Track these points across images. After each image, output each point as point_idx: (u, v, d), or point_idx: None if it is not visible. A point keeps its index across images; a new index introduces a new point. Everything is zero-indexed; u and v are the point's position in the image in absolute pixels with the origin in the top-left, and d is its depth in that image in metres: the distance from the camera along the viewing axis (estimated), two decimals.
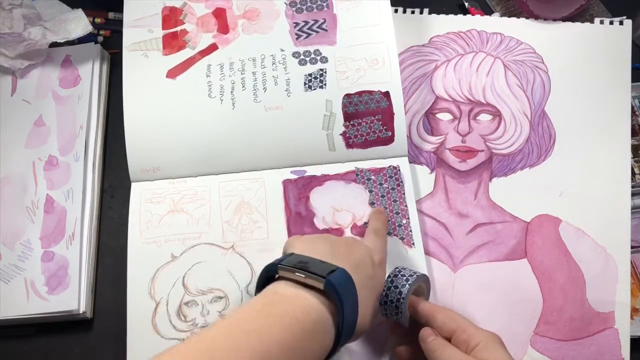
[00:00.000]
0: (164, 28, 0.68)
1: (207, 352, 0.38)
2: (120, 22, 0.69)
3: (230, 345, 0.38)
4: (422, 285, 0.55)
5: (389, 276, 0.53)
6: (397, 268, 0.54)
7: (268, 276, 0.46)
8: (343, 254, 0.49)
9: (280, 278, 0.45)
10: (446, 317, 0.50)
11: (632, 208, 0.63)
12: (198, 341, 0.39)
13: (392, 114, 0.64)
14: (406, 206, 0.62)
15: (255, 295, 0.46)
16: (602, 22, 0.71)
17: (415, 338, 0.51)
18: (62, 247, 0.63)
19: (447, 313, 0.51)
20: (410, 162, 0.64)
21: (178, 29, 0.68)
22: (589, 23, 0.71)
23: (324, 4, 0.68)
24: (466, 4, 0.74)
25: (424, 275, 0.54)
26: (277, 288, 0.44)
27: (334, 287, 0.42)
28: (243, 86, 0.64)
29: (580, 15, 0.72)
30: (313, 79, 0.64)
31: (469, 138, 0.66)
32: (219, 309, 0.59)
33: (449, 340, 0.50)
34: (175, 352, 0.38)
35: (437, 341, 0.49)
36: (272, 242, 0.61)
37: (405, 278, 0.52)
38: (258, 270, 0.59)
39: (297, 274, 0.44)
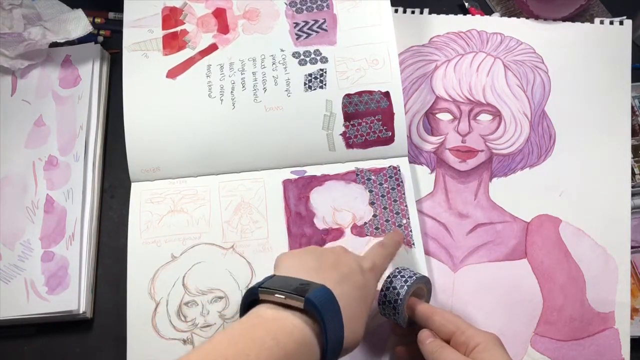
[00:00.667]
0: (164, 28, 0.68)
1: None
2: (120, 22, 0.69)
3: None
4: (422, 287, 0.55)
5: (389, 276, 0.53)
6: (397, 269, 0.54)
7: (251, 300, 0.45)
8: (329, 267, 0.48)
9: (262, 301, 0.44)
10: (444, 318, 0.50)
11: (632, 208, 0.63)
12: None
13: (392, 114, 0.64)
14: (406, 206, 0.62)
15: (240, 317, 0.45)
16: (602, 22, 0.71)
17: (415, 339, 0.51)
18: (62, 247, 0.62)
19: (445, 315, 0.51)
20: (410, 162, 0.64)
21: (178, 29, 0.67)
22: (589, 23, 0.71)
23: (324, 4, 0.68)
24: (466, 4, 0.74)
25: (424, 276, 0.54)
26: (259, 311, 0.44)
27: (314, 305, 0.42)
28: (243, 86, 0.64)
29: (580, 15, 0.72)
30: (313, 79, 0.64)
31: (469, 138, 0.66)
32: (219, 309, 0.59)
33: (447, 342, 0.49)
34: None
35: (436, 343, 0.49)
36: (272, 242, 0.61)
37: (404, 279, 0.52)
38: (258, 270, 0.59)
39: (277, 295, 0.43)
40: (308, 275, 0.46)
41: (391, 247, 0.56)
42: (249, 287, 0.46)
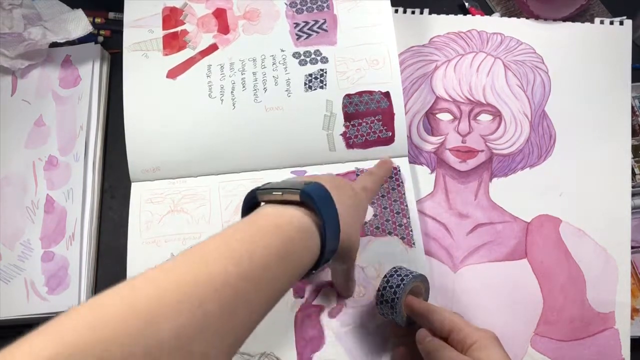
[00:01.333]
0: (164, 28, 0.68)
1: (200, 258, 0.37)
2: (120, 22, 0.69)
3: (221, 246, 0.39)
4: (420, 285, 0.55)
5: (385, 276, 0.53)
6: (394, 268, 0.54)
7: (250, 205, 0.47)
8: (324, 180, 0.49)
9: (261, 204, 0.46)
10: (442, 316, 0.50)
11: (632, 208, 0.63)
12: (190, 253, 0.39)
13: (392, 114, 0.64)
14: (406, 206, 0.62)
15: None
16: (602, 22, 0.71)
17: (414, 338, 0.51)
18: (62, 247, 0.63)
19: (443, 313, 0.51)
20: (410, 163, 0.64)
21: (178, 29, 0.68)
22: (589, 23, 0.71)
23: (324, 5, 0.68)
24: (466, 4, 0.74)
25: (421, 275, 0.54)
26: (259, 210, 0.45)
27: (309, 196, 0.43)
28: (243, 86, 0.64)
29: (580, 15, 0.72)
30: (313, 79, 0.64)
31: (469, 138, 0.66)
32: None
33: (446, 340, 0.50)
34: (169, 264, 0.37)
35: (434, 342, 0.49)
36: None
37: (400, 278, 0.52)
38: None
39: (274, 193, 0.45)
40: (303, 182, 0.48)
41: (380, 173, 0.59)
42: (248, 192, 0.47)
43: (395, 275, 0.53)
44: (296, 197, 0.44)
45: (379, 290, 0.53)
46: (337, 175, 0.63)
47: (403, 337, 0.55)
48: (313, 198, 0.43)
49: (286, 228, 0.42)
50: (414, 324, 0.53)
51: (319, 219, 0.43)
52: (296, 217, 0.43)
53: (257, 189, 0.46)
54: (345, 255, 0.49)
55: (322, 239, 0.44)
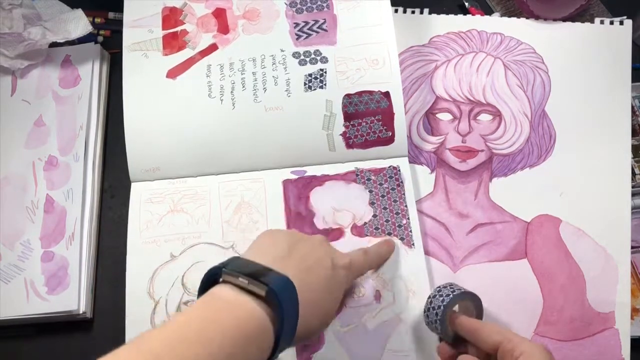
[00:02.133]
0: (164, 28, 0.68)
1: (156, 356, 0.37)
2: (120, 22, 0.69)
3: (169, 354, 0.38)
4: (468, 304, 0.55)
5: (429, 297, 0.54)
6: (437, 287, 0.55)
7: (212, 279, 0.45)
8: (298, 256, 0.48)
9: (224, 281, 0.45)
10: (490, 330, 0.51)
11: (632, 208, 0.63)
12: (136, 350, 0.39)
13: (392, 114, 0.63)
14: (406, 206, 0.61)
15: (197, 297, 0.45)
16: (602, 22, 0.71)
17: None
18: (62, 247, 0.62)
19: (490, 326, 0.51)
20: (410, 162, 0.64)
21: (178, 29, 0.67)
22: (589, 23, 0.71)
23: (324, 5, 0.68)
24: (466, 4, 0.74)
25: (466, 293, 0.55)
26: (221, 292, 0.44)
27: (276, 295, 0.42)
28: (243, 86, 0.64)
29: (580, 15, 0.72)
30: (313, 79, 0.64)
31: (469, 138, 0.66)
32: None
33: (495, 353, 0.50)
34: None
35: None
36: None
37: (442, 299, 0.53)
38: None
39: (240, 279, 0.43)
40: (275, 261, 0.46)
41: (374, 257, 0.57)
42: (212, 266, 0.46)
43: (438, 296, 0.54)
44: (262, 293, 0.43)
45: (424, 311, 0.54)
46: (336, 175, 0.63)
47: (450, 357, 0.55)
48: (279, 301, 0.42)
49: (243, 327, 0.41)
50: (461, 339, 0.53)
51: (278, 319, 0.42)
52: (255, 316, 0.42)
53: (224, 266, 0.45)
54: (299, 342, 0.48)
55: (276, 336, 0.43)
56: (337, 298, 0.50)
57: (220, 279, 0.45)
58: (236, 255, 0.49)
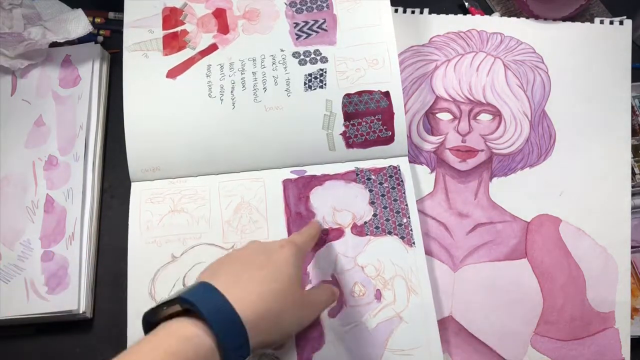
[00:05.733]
0: (164, 28, 0.68)
1: None
2: (120, 22, 0.69)
3: None
4: None
5: None
6: None
7: (150, 326, 0.44)
8: (227, 263, 0.48)
9: (158, 322, 0.44)
10: None
11: (632, 208, 0.63)
12: None
13: (392, 114, 0.64)
14: (406, 205, 0.61)
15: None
16: (602, 22, 0.71)
17: None
18: (62, 247, 0.62)
19: None
20: (410, 162, 0.64)
21: (178, 29, 0.68)
22: (589, 23, 0.71)
23: (324, 4, 0.68)
24: (466, 4, 0.74)
25: None
26: (153, 331, 0.43)
27: (187, 301, 0.42)
28: (243, 86, 0.64)
29: (580, 15, 0.72)
30: (313, 79, 0.64)
31: (469, 138, 0.66)
32: None
33: None
34: None
35: None
36: None
37: None
38: None
39: (160, 311, 0.43)
40: (207, 277, 0.46)
41: (310, 230, 0.57)
42: (144, 312, 0.45)
43: None
44: (178, 308, 0.42)
45: None
46: (336, 175, 0.63)
47: None
48: (194, 304, 0.41)
49: (179, 350, 0.40)
50: None
51: (209, 326, 0.41)
52: (186, 334, 0.41)
53: (149, 310, 0.44)
54: (277, 342, 0.47)
55: (219, 345, 0.41)
56: (288, 280, 0.48)
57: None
58: None
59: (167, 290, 0.59)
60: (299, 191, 0.63)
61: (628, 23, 0.70)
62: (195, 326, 0.42)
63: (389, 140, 0.64)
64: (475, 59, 0.70)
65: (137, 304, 0.59)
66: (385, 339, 0.57)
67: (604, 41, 0.70)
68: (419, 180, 0.65)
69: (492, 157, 0.66)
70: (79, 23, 0.70)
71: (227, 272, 0.47)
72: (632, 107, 0.67)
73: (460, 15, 0.73)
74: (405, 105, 0.66)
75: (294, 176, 0.64)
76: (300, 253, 0.52)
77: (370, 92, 0.64)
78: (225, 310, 0.42)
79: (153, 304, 0.58)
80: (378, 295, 0.58)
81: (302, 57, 0.65)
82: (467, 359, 0.59)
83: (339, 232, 0.61)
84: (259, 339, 0.44)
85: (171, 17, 0.68)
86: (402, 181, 0.63)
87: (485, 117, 0.67)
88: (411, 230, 0.60)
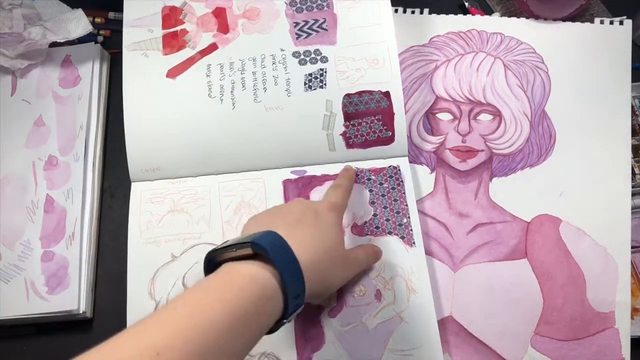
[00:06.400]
0: (164, 28, 0.68)
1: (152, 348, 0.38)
2: (120, 22, 0.69)
3: (182, 320, 0.39)
4: None
5: None
6: None
7: (211, 267, 0.46)
8: (280, 217, 0.50)
9: (220, 263, 0.46)
10: None
11: (632, 208, 0.63)
12: (138, 336, 0.39)
13: (392, 114, 0.63)
14: (406, 205, 0.61)
15: None
16: (602, 22, 0.71)
17: None
18: (62, 247, 0.63)
19: None
20: (410, 162, 0.64)
21: (178, 28, 0.67)
22: (589, 23, 0.71)
23: (324, 4, 0.68)
24: (466, 4, 0.74)
25: None
26: (217, 271, 0.45)
27: (259, 245, 0.43)
28: (243, 86, 0.64)
29: (580, 15, 0.72)
30: (313, 79, 0.64)
31: (469, 138, 0.66)
32: None
33: None
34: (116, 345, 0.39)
35: None
36: None
37: None
38: None
39: (228, 250, 0.45)
40: (262, 228, 0.48)
41: (345, 183, 0.59)
42: (206, 253, 0.47)
43: None
44: (248, 251, 0.44)
45: None
46: (336, 175, 0.63)
47: None
48: (264, 248, 0.43)
49: (240, 282, 0.42)
50: None
51: (278, 271, 0.43)
52: (249, 270, 0.43)
53: (214, 249, 0.46)
54: (323, 295, 0.50)
55: (282, 288, 0.44)
56: (335, 240, 0.51)
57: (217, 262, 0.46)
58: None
59: (166, 289, 0.59)
60: (299, 191, 0.63)
61: (628, 23, 0.70)
62: (264, 269, 0.43)
63: (389, 140, 0.64)
64: (476, 59, 0.70)
65: (137, 304, 0.59)
66: (385, 339, 0.57)
67: (604, 41, 0.70)
68: (419, 180, 0.65)
69: (492, 157, 0.66)
70: (79, 23, 0.69)
71: (284, 224, 0.49)
72: (632, 107, 0.67)
73: (460, 15, 0.73)
74: (405, 105, 0.66)
75: (294, 176, 0.64)
76: (342, 215, 0.56)
77: (370, 92, 0.64)
78: (291, 260, 0.45)
79: (152, 304, 0.58)
80: (378, 295, 0.58)
81: (302, 56, 0.65)
82: (467, 359, 0.59)
83: None
84: (310, 290, 0.46)
85: (171, 16, 0.68)
86: (402, 181, 0.63)
87: (485, 117, 0.67)
88: (411, 230, 0.60)
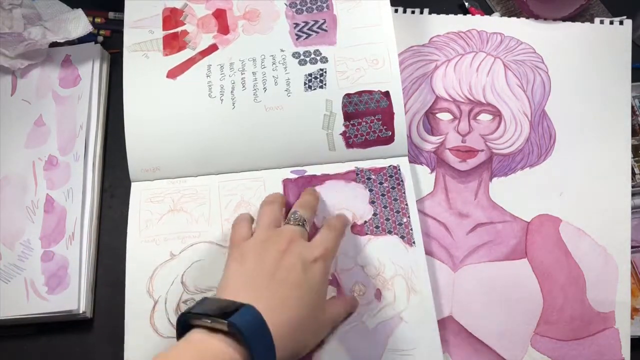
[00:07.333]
0: (164, 29, 0.68)
1: None
2: (120, 22, 0.69)
3: None
4: None
5: None
6: None
7: (186, 325, 0.46)
8: (268, 270, 0.49)
9: (195, 326, 0.45)
10: None
11: (632, 208, 0.63)
12: None
13: (392, 114, 0.64)
14: (406, 205, 0.61)
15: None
16: (602, 22, 0.71)
17: None
18: (62, 247, 0.62)
19: None
20: (410, 162, 0.64)
21: (178, 29, 0.68)
22: (589, 23, 0.71)
23: (324, 5, 0.68)
24: (466, 3, 0.74)
25: None
26: (189, 336, 0.44)
27: (237, 328, 0.42)
28: (243, 86, 0.64)
29: (580, 15, 0.72)
30: (313, 79, 0.64)
31: (469, 138, 0.66)
32: None
33: None
34: None
35: None
36: None
37: None
38: None
39: (203, 320, 0.44)
40: (245, 287, 0.48)
41: (339, 227, 0.58)
42: (181, 312, 0.46)
43: None
44: (224, 328, 0.43)
45: None
46: (336, 175, 0.63)
47: None
48: (242, 333, 0.42)
49: None
50: None
51: (249, 354, 0.43)
52: (222, 352, 0.43)
53: (189, 311, 0.45)
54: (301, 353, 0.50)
55: None
56: (317, 300, 0.50)
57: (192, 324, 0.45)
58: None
59: (165, 288, 0.59)
60: (299, 191, 0.63)
61: (628, 23, 0.70)
62: (236, 352, 0.43)
63: (389, 140, 0.64)
64: (475, 59, 0.70)
65: (135, 302, 0.58)
66: (385, 339, 0.57)
67: (604, 41, 0.70)
68: (419, 180, 0.65)
69: (492, 157, 0.66)
70: (79, 23, 0.70)
71: (267, 282, 0.48)
72: (632, 107, 0.67)
73: (460, 15, 0.73)
74: (405, 105, 0.66)
75: (294, 176, 0.64)
76: (331, 262, 0.54)
77: (370, 92, 0.64)
78: (268, 345, 0.44)
79: (151, 302, 0.58)
80: (378, 295, 0.58)
81: (302, 57, 0.65)
82: (467, 359, 0.59)
83: None
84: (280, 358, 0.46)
85: (171, 17, 0.68)
86: (402, 181, 0.63)
87: (485, 117, 0.67)
88: (411, 229, 0.60)
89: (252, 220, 0.58)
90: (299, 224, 0.54)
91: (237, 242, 0.54)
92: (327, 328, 0.54)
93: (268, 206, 0.57)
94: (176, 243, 0.61)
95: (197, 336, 0.44)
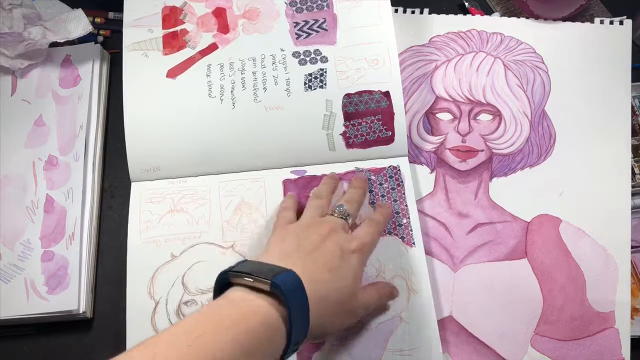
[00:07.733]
0: (164, 28, 0.68)
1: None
2: (120, 22, 0.69)
3: (182, 347, 0.39)
4: None
5: None
6: None
7: (224, 284, 0.46)
8: (306, 251, 0.50)
9: (234, 284, 0.46)
10: None
11: (632, 208, 0.63)
12: (140, 352, 0.39)
13: (392, 114, 0.64)
14: (406, 206, 0.61)
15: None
16: (602, 22, 0.71)
17: None
18: (62, 247, 0.62)
19: None
20: (410, 162, 0.64)
21: (178, 28, 0.67)
22: (589, 23, 0.71)
23: (324, 4, 0.68)
24: (466, 4, 0.74)
25: None
26: (228, 294, 0.45)
27: (279, 288, 0.43)
28: (243, 86, 0.64)
29: (580, 15, 0.72)
30: (313, 79, 0.64)
31: (469, 138, 0.66)
32: None
33: None
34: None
35: None
36: None
37: None
38: None
39: (245, 278, 0.45)
40: (283, 259, 0.48)
41: (382, 222, 0.57)
42: (222, 270, 0.47)
43: None
44: (266, 287, 0.44)
45: None
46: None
47: None
48: (283, 292, 0.43)
49: (250, 321, 0.42)
50: None
51: (287, 314, 0.43)
52: (263, 309, 0.43)
53: (231, 270, 0.46)
54: (314, 339, 0.50)
55: (288, 332, 0.44)
56: (351, 286, 0.50)
57: (231, 282, 0.46)
58: (244, 258, 0.50)
59: (166, 289, 0.59)
60: (299, 191, 0.63)
61: (628, 23, 0.70)
62: (277, 313, 0.44)
63: (389, 140, 0.64)
64: (475, 59, 0.70)
65: (136, 303, 0.59)
66: (385, 339, 0.57)
67: (604, 41, 0.70)
68: (419, 180, 0.65)
69: (492, 157, 0.66)
70: (79, 23, 0.70)
71: (306, 262, 0.49)
72: (632, 107, 0.67)
73: (460, 15, 0.73)
74: (405, 105, 0.66)
75: (294, 176, 0.64)
76: (368, 256, 0.54)
77: (370, 92, 0.64)
78: (305, 315, 0.45)
79: (152, 304, 0.58)
80: None
81: (302, 56, 0.65)
82: (467, 359, 0.59)
83: None
84: (309, 336, 0.46)
85: (171, 16, 0.68)
86: (402, 181, 0.63)
87: (485, 117, 0.67)
88: (411, 230, 0.60)
89: (296, 205, 0.59)
90: (342, 217, 0.55)
91: (282, 225, 0.55)
92: (358, 313, 0.53)
93: (317, 199, 0.58)
94: (177, 244, 0.61)
95: (237, 293, 0.45)
